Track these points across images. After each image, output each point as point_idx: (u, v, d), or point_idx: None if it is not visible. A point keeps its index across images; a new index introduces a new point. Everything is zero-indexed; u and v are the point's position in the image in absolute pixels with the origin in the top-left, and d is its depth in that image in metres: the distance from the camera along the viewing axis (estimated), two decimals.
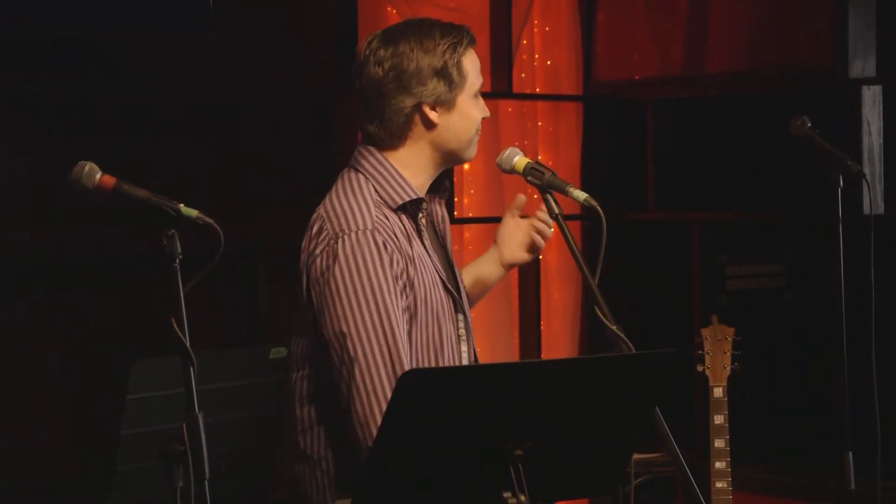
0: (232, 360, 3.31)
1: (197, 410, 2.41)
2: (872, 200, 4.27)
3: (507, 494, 2.45)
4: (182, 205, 2.50)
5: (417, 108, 2.90)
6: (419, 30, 2.95)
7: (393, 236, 2.83)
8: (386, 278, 2.78)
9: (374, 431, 2.70)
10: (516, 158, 2.99)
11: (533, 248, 3.15)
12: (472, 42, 2.97)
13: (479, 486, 2.49)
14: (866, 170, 4.97)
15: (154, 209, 2.50)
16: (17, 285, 4.54)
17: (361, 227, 2.80)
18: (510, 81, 5.65)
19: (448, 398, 2.43)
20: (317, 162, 5.19)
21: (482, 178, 5.51)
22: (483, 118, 2.99)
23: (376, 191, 2.89)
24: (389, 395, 2.68)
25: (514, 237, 3.16)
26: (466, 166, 5.46)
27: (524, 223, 3.15)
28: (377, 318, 2.77)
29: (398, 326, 2.78)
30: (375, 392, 2.76)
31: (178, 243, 2.47)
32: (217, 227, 2.48)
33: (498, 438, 2.46)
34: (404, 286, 2.82)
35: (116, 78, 4.72)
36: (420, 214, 2.93)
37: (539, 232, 3.11)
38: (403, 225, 2.88)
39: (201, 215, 2.50)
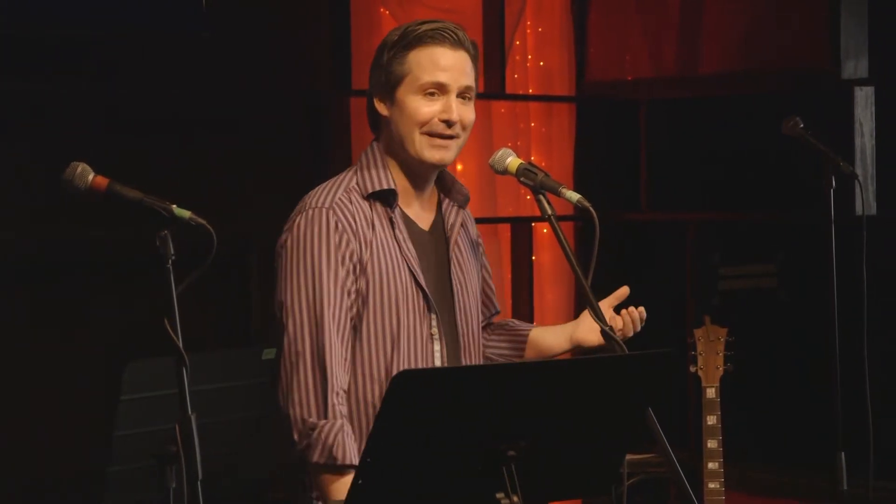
0: (225, 360, 3.30)
1: (190, 411, 2.41)
2: (865, 201, 4.29)
3: (500, 495, 2.45)
4: (175, 205, 2.50)
5: (371, 99, 2.99)
6: (400, 26, 3.00)
7: (351, 219, 2.89)
8: (328, 255, 2.86)
9: (294, 400, 2.83)
10: (509, 159, 2.99)
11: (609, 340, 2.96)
12: (437, 39, 2.92)
13: (473, 486, 2.49)
14: (859, 171, 4.98)
15: (147, 210, 2.50)
16: (14, 285, 4.53)
17: (318, 206, 2.90)
18: (503, 82, 5.66)
19: (441, 399, 2.43)
20: (310, 162, 5.19)
21: (475, 179, 5.51)
22: (447, 121, 2.92)
23: (355, 178, 2.97)
24: (310, 366, 2.82)
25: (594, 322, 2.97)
26: (459, 167, 5.46)
27: (616, 318, 3.05)
28: (310, 292, 2.85)
29: (330, 304, 2.84)
30: (297, 364, 2.84)
31: (171, 244, 2.47)
32: (210, 227, 2.48)
33: (491, 439, 2.46)
34: (354, 268, 2.88)
35: (109, 78, 4.72)
36: (394, 205, 2.95)
37: (625, 324, 3.03)
38: (374, 212, 2.93)
39: (194, 216, 2.50)
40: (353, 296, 2.89)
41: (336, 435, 2.82)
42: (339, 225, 2.88)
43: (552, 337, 3.16)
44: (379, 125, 3.01)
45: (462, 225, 3.08)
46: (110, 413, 2.83)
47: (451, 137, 2.94)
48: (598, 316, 2.80)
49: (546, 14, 5.89)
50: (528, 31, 5.87)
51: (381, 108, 2.97)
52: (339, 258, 2.87)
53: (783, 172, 5.38)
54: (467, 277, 3.07)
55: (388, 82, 2.94)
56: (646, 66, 5.85)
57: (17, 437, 4.44)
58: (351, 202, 2.92)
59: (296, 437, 2.86)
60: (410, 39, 2.93)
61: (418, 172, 2.99)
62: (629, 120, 5.93)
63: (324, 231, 2.88)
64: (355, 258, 2.88)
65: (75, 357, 4.61)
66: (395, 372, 2.92)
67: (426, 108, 2.91)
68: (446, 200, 3.07)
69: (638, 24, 5.84)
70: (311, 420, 2.84)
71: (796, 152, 3.92)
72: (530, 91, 5.87)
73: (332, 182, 2.97)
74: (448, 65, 2.93)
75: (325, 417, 2.84)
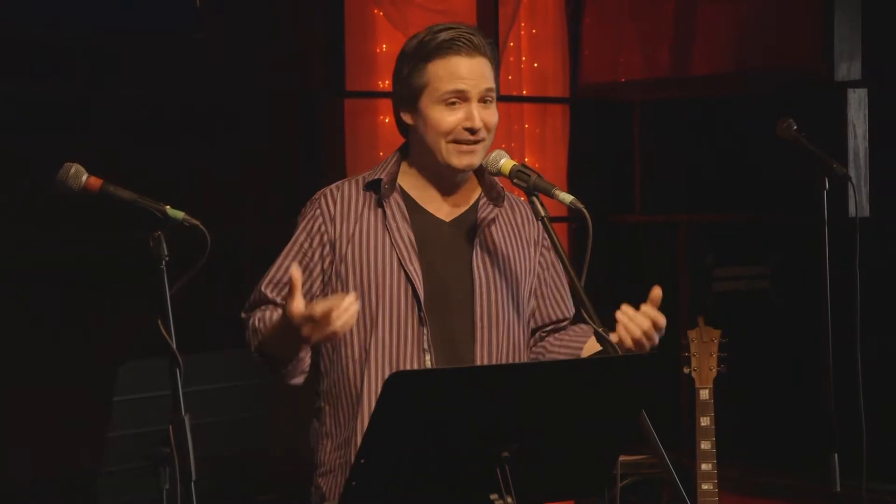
0: (218, 361, 3.30)
1: (183, 412, 2.41)
2: (858, 203, 4.28)
3: (494, 496, 2.45)
4: (168, 206, 2.50)
5: (397, 109, 3.07)
6: (417, 34, 3.06)
7: (332, 205, 3.05)
8: (300, 234, 3.07)
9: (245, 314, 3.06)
10: (502, 161, 3.00)
11: (639, 344, 2.92)
12: (453, 48, 2.97)
13: (467, 487, 2.49)
14: (852, 172, 4.98)
15: (141, 211, 2.50)
16: (6, 286, 4.52)
17: (312, 198, 3.11)
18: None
19: (435, 400, 2.43)
20: (304, 162, 5.19)
21: None
22: (470, 129, 2.98)
23: (370, 172, 3.11)
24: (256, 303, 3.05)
25: (632, 323, 2.93)
26: None
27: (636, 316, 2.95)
28: (280, 254, 3.08)
29: (290, 258, 3.04)
30: (255, 288, 3.07)
31: (165, 245, 2.47)
32: (203, 228, 2.49)
33: (485, 440, 2.46)
34: (323, 246, 3.04)
35: (103, 79, 4.72)
36: (384, 194, 3.05)
37: (625, 326, 2.92)
38: (367, 201, 3.06)
39: (188, 217, 2.50)
40: (326, 266, 3.03)
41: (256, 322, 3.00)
42: (317, 211, 3.06)
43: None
44: (403, 131, 3.11)
45: (506, 223, 3.11)
46: (104, 414, 2.83)
47: (476, 142, 3.00)
48: (591, 317, 2.80)
49: (540, 16, 5.89)
50: (522, 32, 5.88)
51: (407, 119, 3.05)
52: (309, 239, 3.05)
53: (776, 174, 5.39)
54: (499, 274, 3.06)
55: (410, 94, 3.01)
56: (639, 68, 5.85)
57: (10, 438, 4.44)
58: (340, 190, 3.07)
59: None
60: (428, 50, 2.99)
61: (446, 175, 3.06)
62: (623, 121, 5.93)
63: (305, 218, 3.07)
64: (325, 239, 3.03)
65: (69, 358, 4.60)
66: (375, 355, 2.95)
67: (449, 118, 2.98)
68: (484, 199, 3.11)
69: (631, 26, 5.85)
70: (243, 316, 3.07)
71: (790, 154, 3.92)
72: (524, 92, 5.87)
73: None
74: (466, 73, 2.98)
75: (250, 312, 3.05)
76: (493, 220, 3.09)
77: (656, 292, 2.91)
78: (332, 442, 3.06)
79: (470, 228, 3.08)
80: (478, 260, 3.05)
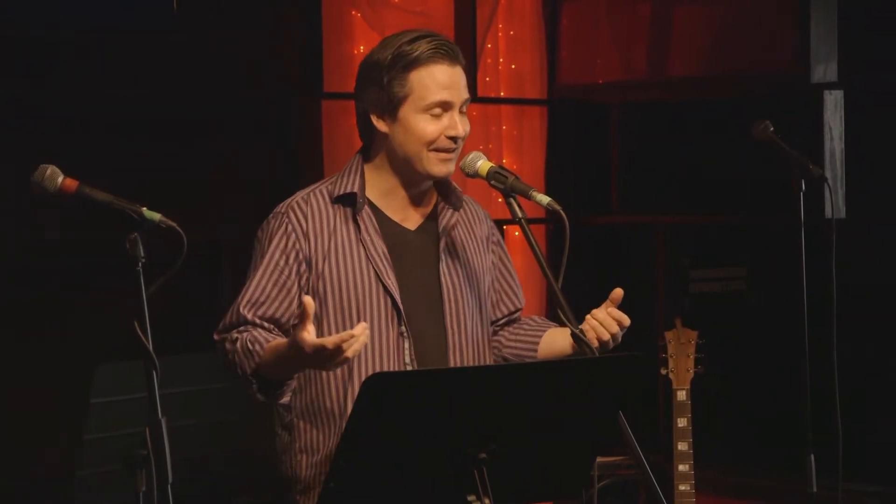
0: (195, 364, 3.30)
1: (160, 415, 2.41)
2: (834, 204, 4.30)
3: (471, 498, 2.45)
4: (145, 208, 2.50)
5: (367, 114, 3.03)
6: (389, 38, 3.05)
7: (304, 220, 2.99)
8: (273, 253, 2.98)
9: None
10: (479, 162, 3.00)
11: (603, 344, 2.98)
12: (436, 57, 2.97)
13: (444, 489, 2.49)
14: (828, 174, 5.00)
15: (117, 212, 2.50)
16: None
17: (276, 211, 3.03)
18: (474, 85, 5.65)
19: (412, 401, 2.43)
20: (280, 164, 5.18)
21: None
22: (453, 137, 2.98)
23: (328, 183, 3.06)
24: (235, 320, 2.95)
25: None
26: None
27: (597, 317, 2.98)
28: (255, 272, 2.99)
29: (266, 276, 2.97)
30: (231, 309, 2.97)
31: (141, 247, 2.46)
32: (180, 230, 2.48)
33: (462, 441, 2.46)
34: (300, 265, 2.97)
35: (79, 79, 4.70)
36: (358, 208, 3.01)
37: (594, 329, 2.95)
38: (338, 215, 3.01)
39: (164, 219, 2.50)
40: (298, 286, 2.97)
41: (243, 343, 2.90)
42: (289, 227, 2.99)
43: (561, 337, 3.14)
44: (371, 136, 3.05)
45: (463, 225, 3.12)
46: (80, 416, 2.82)
47: (454, 150, 3.01)
48: (568, 319, 2.80)
49: (517, 17, 5.89)
50: (500, 34, 5.88)
51: (381, 125, 3.01)
52: (284, 256, 2.98)
53: (753, 176, 5.40)
54: (463, 278, 3.08)
55: (389, 102, 2.98)
56: (617, 70, 5.86)
57: None
58: (308, 204, 3.01)
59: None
60: (410, 60, 2.97)
61: (415, 182, 3.05)
62: (600, 123, 5.94)
63: (278, 232, 2.99)
64: (301, 256, 2.97)
65: (45, 360, 4.58)
66: (358, 371, 2.94)
67: (432, 127, 2.98)
68: (442, 203, 3.11)
69: (608, 28, 5.85)
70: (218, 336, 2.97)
71: (766, 156, 3.93)
72: (502, 94, 5.87)
73: (308, 187, 3.07)
74: (449, 83, 2.99)
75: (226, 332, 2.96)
76: (454, 225, 3.10)
77: (618, 292, 2.96)
78: (308, 458, 3.01)
79: (433, 235, 3.08)
80: (444, 267, 3.06)
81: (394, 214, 3.06)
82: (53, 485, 4.28)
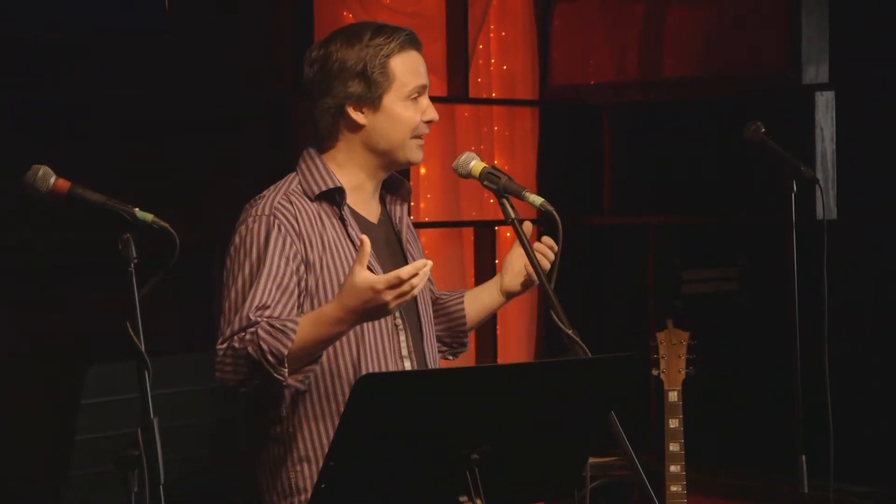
0: (187, 364, 3.30)
1: (152, 415, 2.41)
2: (826, 205, 4.31)
3: (463, 498, 2.45)
4: (137, 209, 2.49)
5: (341, 108, 3.00)
6: (350, 31, 3.06)
7: (294, 220, 2.93)
8: (273, 255, 2.88)
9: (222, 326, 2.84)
10: (472, 163, 3.01)
11: (529, 281, 3.14)
12: (408, 44, 3.00)
13: (437, 489, 2.49)
14: (819, 175, 5.01)
15: (109, 213, 2.49)
16: None
17: (259, 214, 2.94)
18: (466, 86, 5.66)
19: (404, 401, 2.43)
20: (273, 163, 5.17)
21: (438, 182, 5.51)
22: (429, 121, 3.01)
23: (300, 183, 3.00)
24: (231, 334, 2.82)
25: (515, 266, 3.17)
26: (423, 170, 5.46)
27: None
28: (252, 269, 2.88)
29: (270, 281, 2.86)
30: (238, 316, 2.84)
31: (134, 247, 2.46)
32: (172, 230, 2.48)
33: (454, 442, 2.47)
34: (298, 268, 2.90)
35: (70, 80, 4.69)
36: (343, 204, 2.99)
37: (542, 255, 3.02)
38: (321, 212, 2.97)
39: (156, 219, 2.50)
40: (299, 289, 2.91)
41: (266, 335, 2.79)
42: (283, 228, 2.92)
43: (487, 296, 3.21)
44: (337, 132, 3.02)
45: (406, 215, 3.15)
46: (72, 417, 2.82)
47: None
48: (561, 319, 2.80)
49: (509, 18, 5.89)
50: (492, 34, 5.88)
51: (359, 117, 2.99)
52: (284, 259, 2.90)
53: (745, 177, 5.41)
54: None
55: (371, 92, 2.97)
56: (609, 71, 5.86)
57: None
58: (292, 204, 2.96)
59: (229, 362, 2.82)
60: (391, 48, 2.98)
61: (380, 175, 3.05)
62: (592, 124, 5.95)
63: (272, 235, 2.91)
64: (299, 258, 2.92)
65: (37, 360, 4.58)
66: (363, 367, 2.93)
67: (414, 114, 3.00)
68: (388, 195, 3.12)
69: (601, 28, 5.86)
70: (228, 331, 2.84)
71: (758, 157, 3.93)
72: (493, 95, 5.87)
73: (272, 189, 3.02)
74: (422, 68, 3.03)
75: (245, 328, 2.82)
76: (402, 215, 3.13)
77: (548, 240, 3.02)
78: (311, 467, 2.93)
79: (392, 228, 3.10)
80: (409, 258, 3.08)
81: (360, 209, 3.05)
82: (44, 485, 4.28)
